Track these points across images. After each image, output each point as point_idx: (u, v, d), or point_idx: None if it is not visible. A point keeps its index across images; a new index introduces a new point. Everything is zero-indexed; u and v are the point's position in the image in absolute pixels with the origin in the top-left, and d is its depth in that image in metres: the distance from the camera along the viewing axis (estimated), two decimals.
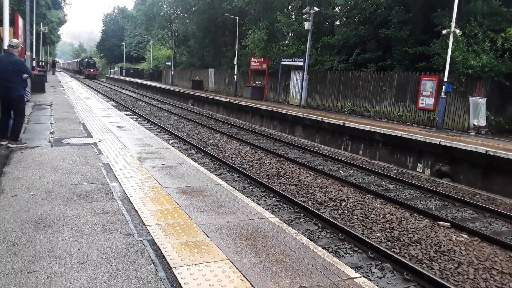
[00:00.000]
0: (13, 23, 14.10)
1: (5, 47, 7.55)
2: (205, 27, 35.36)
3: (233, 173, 9.80)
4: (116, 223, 3.93)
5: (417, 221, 7.24)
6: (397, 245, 6.07)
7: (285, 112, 18.29)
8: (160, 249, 3.40)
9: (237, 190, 5.89)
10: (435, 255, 5.81)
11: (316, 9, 20.75)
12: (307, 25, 20.85)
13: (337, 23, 25.07)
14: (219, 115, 24.47)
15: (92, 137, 8.56)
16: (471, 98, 14.34)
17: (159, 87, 39.06)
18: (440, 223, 7.20)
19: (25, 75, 7.05)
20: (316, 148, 14.69)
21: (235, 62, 28.27)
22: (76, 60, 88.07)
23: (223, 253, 3.39)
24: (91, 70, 64.84)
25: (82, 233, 3.65)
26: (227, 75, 32.47)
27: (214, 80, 34.95)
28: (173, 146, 9.19)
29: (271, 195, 8.18)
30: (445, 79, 14.32)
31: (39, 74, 20.87)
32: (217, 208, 4.54)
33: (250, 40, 26.43)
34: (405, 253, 5.82)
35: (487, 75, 13.98)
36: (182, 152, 9.04)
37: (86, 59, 67.78)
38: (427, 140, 11.66)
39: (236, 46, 28.05)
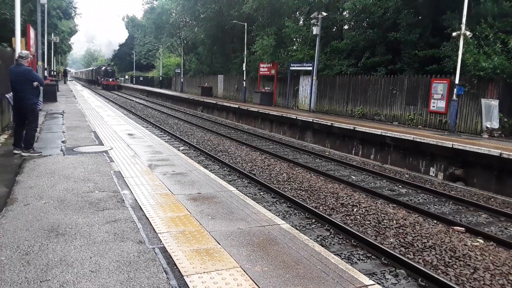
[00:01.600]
0: (25, 33, 14.36)
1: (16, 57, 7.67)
2: (214, 34, 35.58)
3: (244, 179, 9.77)
4: (127, 231, 3.94)
5: (431, 226, 7.13)
6: (411, 251, 5.97)
7: (295, 117, 18.25)
8: (171, 257, 3.39)
9: (248, 197, 5.87)
10: (450, 260, 5.70)
11: (324, 14, 20.74)
12: (315, 30, 20.85)
13: (346, 27, 25.02)
14: (228, 121, 24.52)
15: (103, 145, 8.62)
16: (483, 101, 14.15)
17: (169, 94, 39.34)
18: (455, 227, 7.07)
19: (35, 83, 7.14)
20: (327, 153, 14.61)
21: (244, 68, 28.35)
22: (91, 68, 77.71)
23: (234, 261, 3.36)
24: (110, 79, 55.62)
25: (94, 241, 3.65)
26: (236, 81, 32.58)
27: (223, 86, 35.09)
28: (183, 153, 9.21)
29: (282, 201, 8.14)
30: (457, 81, 14.16)
31: (51, 84, 21.19)
32: (228, 215, 4.52)
33: (259, 46, 26.51)
34: (420, 259, 5.72)
35: (499, 77, 13.80)
36: (192, 159, 9.06)
37: (104, 67, 58.77)
38: (440, 144, 11.51)
39: (245, 52, 28.15)
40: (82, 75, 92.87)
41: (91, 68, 76.43)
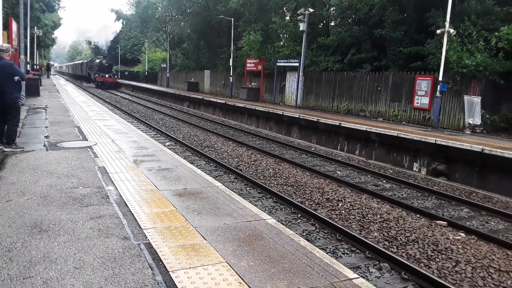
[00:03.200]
0: (7, 26, 14.05)
1: None
2: (200, 29, 35.33)
3: (230, 175, 9.77)
4: (112, 227, 3.91)
5: (414, 220, 7.25)
6: (394, 245, 6.07)
7: (281, 113, 18.30)
8: (157, 253, 3.38)
9: (234, 192, 5.87)
10: (433, 254, 5.81)
11: (311, 10, 20.79)
12: (302, 26, 20.89)
13: (332, 23, 25.13)
14: (215, 116, 24.44)
15: (87, 140, 8.51)
16: (466, 97, 14.40)
17: (155, 89, 38.98)
18: (437, 222, 7.21)
19: (17, 77, 7.00)
20: (313, 149, 14.70)
21: (231, 64, 28.27)
22: (81, 61, 63.66)
23: (220, 256, 3.37)
24: (107, 76, 45.47)
25: (78, 237, 3.62)
26: (222, 77, 32.45)
27: (210, 81, 34.92)
28: (169, 149, 9.16)
29: (268, 196, 8.17)
30: (440, 78, 14.37)
31: (34, 78, 20.77)
32: (214, 210, 4.52)
33: (246, 41, 26.44)
34: (403, 252, 5.82)
35: (482, 74, 14.05)
36: (178, 154, 9.02)
37: (98, 60, 48.01)
38: (423, 139, 11.69)
39: (232, 47, 28.04)
40: (68, 69, 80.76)
41: (81, 61, 63.26)
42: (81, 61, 63.79)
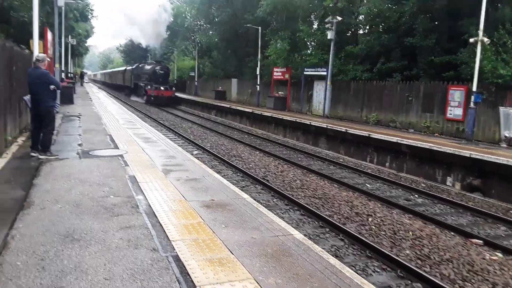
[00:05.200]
0: (42, 36, 14.59)
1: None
2: (228, 37, 35.73)
3: (257, 185, 9.73)
4: (141, 237, 3.93)
5: (448, 238, 6.98)
6: (427, 264, 5.84)
7: (309, 123, 18.16)
8: (184, 266, 3.37)
9: (261, 203, 5.83)
10: (468, 274, 5.56)
11: (339, 18, 20.60)
12: (329, 35, 20.75)
13: (360, 32, 24.86)
14: (242, 125, 24.53)
15: (118, 148, 8.69)
16: (501, 109, 13.86)
17: (183, 98, 39.52)
18: (472, 240, 6.91)
19: (52, 86, 7.25)
20: (341, 160, 14.48)
21: (258, 72, 28.36)
22: (124, 68, 50.72)
23: (247, 272, 3.33)
24: (162, 88, 33.54)
25: (108, 247, 3.66)
26: (249, 86, 32.59)
27: (237, 90, 35.15)
28: (196, 158, 9.22)
29: (295, 208, 8.07)
30: (474, 89, 13.91)
31: (68, 86, 21.48)
32: (241, 223, 4.48)
33: (273, 50, 26.50)
34: (436, 272, 5.59)
35: None
36: (205, 164, 9.07)
37: (149, 67, 36.44)
38: (457, 153, 11.29)
39: (259, 56, 28.16)
40: (104, 77, 70.17)
41: (123, 68, 51.06)
42: (122, 68, 52.12)
